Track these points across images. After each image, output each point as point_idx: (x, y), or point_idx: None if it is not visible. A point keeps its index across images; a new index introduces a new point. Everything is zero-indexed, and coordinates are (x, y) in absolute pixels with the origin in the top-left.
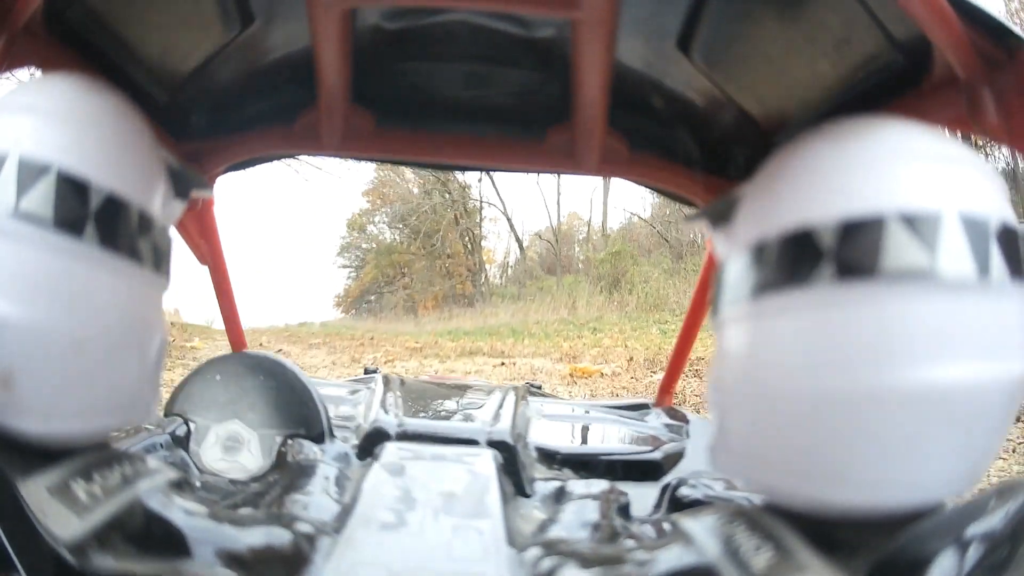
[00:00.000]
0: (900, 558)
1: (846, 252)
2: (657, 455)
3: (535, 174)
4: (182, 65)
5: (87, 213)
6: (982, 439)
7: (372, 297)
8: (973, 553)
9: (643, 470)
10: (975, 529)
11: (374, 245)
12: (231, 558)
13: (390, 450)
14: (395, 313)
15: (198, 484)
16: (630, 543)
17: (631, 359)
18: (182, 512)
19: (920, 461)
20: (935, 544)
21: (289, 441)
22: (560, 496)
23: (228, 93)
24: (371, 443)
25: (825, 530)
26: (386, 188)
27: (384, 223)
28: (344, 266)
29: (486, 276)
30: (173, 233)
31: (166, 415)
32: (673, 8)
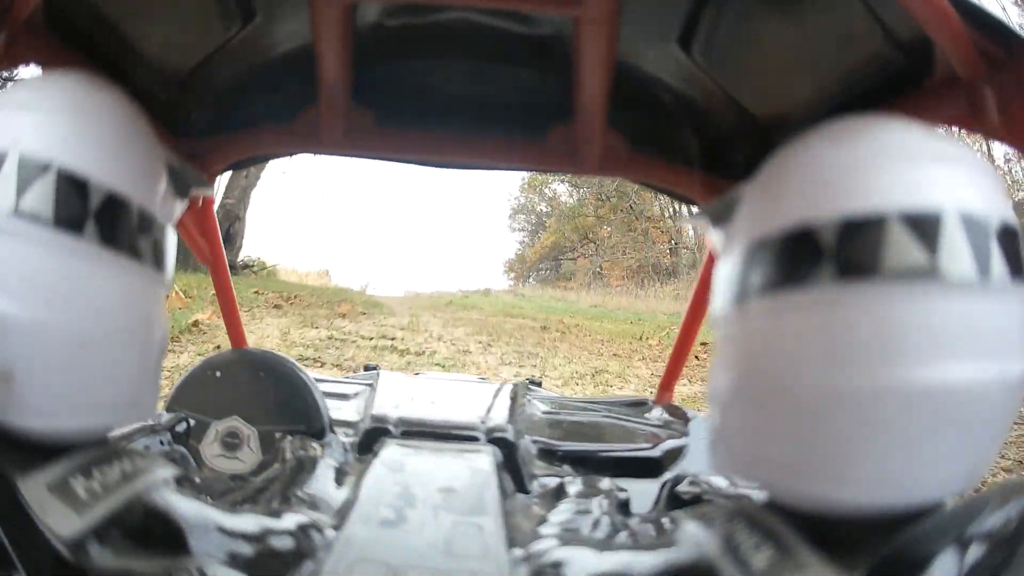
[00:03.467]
0: (900, 558)
1: (847, 251)
2: (657, 452)
3: (535, 172)
4: (183, 62)
5: (87, 211)
6: (982, 439)
7: (543, 266)
8: (973, 553)
9: (643, 467)
10: (975, 529)
11: (548, 208)
12: (231, 554)
13: (390, 447)
14: (584, 282)
15: (198, 480)
16: (629, 540)
17: None
18: (182, 509)
19: (920, 461)
20: (935, 544)
21: (289, 437)
22: (559, 493)
23: (229, 90)
24: (371, 439)
25: (825, 529)
26: None
27: (564, 182)
28: (517, 229)
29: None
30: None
31: (166, 412)
32: (674, 6)
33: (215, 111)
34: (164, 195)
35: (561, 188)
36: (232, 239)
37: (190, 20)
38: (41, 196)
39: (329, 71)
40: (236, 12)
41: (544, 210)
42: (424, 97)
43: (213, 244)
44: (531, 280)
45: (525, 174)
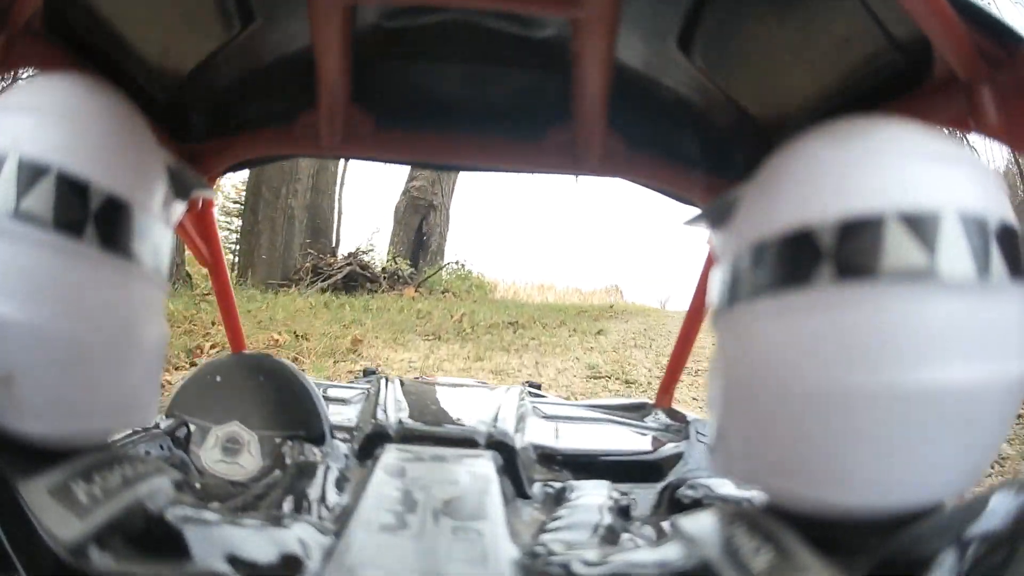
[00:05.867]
0: (900, 558)
1: (846, 252)
2: (657, 456)
3: (535, 174)
4: (182, 65)
5: (87, 214)
6: (982, 439)
7: None
8: (973, 553)
9: (643, 471)
10: (975, 529)
11: None
12: (231, 560)
13: (390, 452)
14: None
15: (198, 486)
16: (630, 545)
17: None
18: (182, 514)
19: (920, 461)
20: (935, 544)
21: (289, 443)
22: (560, 498)
23: (228, 93)
24: (371, 445)
25: (825, 531)
26: None
27: None
28: None
29: None
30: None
31: (167, 417)
32: (673, 7)
33: (215, 113)
34: (164, 198)
35: None
36: (424, 240)
37: (189, 24)
38: (41, 198)
39: (329, 74)
40: (235, 15)
41: None
42: (424, 99)
43: (213, 246)
44: None
45: None
